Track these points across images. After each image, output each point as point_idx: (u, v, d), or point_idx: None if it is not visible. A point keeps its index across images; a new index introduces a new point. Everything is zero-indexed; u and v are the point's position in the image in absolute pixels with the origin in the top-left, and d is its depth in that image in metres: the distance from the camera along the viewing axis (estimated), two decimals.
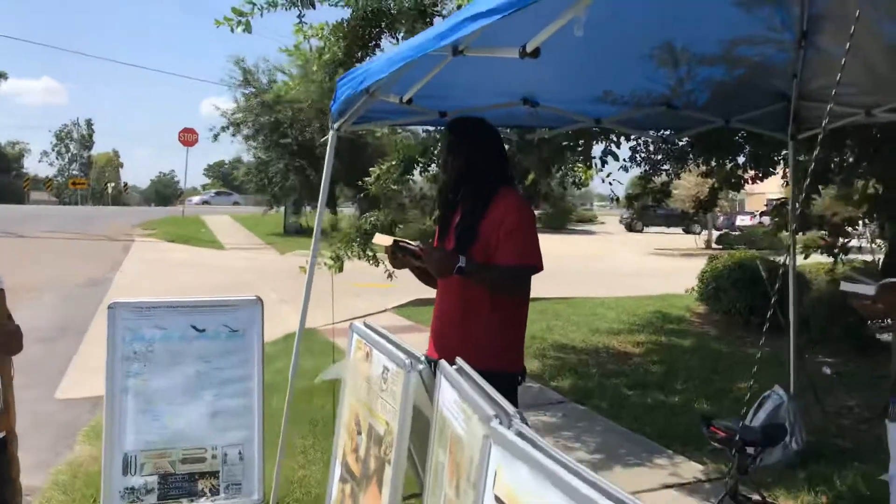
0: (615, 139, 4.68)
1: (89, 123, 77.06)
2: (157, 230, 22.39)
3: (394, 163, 4.96)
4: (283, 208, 24.57)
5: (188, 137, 26.31)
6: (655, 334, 8.56)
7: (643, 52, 2.95)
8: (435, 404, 2.15)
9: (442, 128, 2.92)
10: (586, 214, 43.99)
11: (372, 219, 5.02)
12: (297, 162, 21.45)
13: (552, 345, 7.84)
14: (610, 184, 4.80)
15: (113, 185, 61.66)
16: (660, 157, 7.13)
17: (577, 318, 9.59)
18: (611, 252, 22.00)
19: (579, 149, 4.44)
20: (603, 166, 4.66)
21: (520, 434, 1.42)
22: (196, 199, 49.21)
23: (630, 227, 33.34)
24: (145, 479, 3.15)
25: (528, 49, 1.72)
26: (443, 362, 2.13)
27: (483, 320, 2.64)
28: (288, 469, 4.23)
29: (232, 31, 4.35)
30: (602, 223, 40.58)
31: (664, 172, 7.19)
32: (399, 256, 2.68)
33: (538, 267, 2.62)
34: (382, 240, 2.74)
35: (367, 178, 4.89)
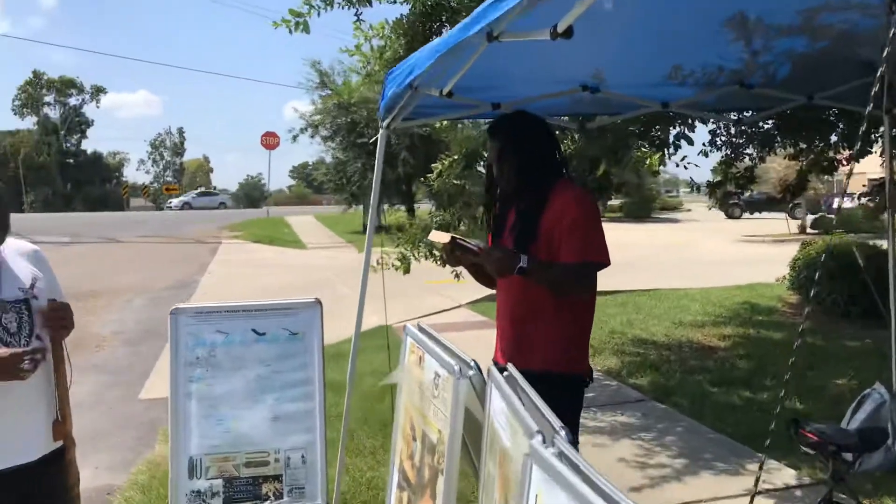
0: (690, 122, 4.39)
1: (181, 132, 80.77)
2: (244, 232, 23.18)
3: (456, 157, 4.85)
4: (361, 207, 24.95)
5: (270, 141, 27.10)
6: (743, 327, 8.11)
7: (713, 27, 2.71)
8: (486, 413, 2.03)
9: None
10: (671, 202, 42.61)
11: (438, 217, 4.93)
12: (374, 161, 21.67)
13: (632, 340, 7.55)
14: (685, 167, 4.51)
15: (202, 188, 64.37)
16: (742, 140, 6.72)
17: (659, 310, 9.22)
18: (696, 240, 21.14)
19: (653, 133, 4.15)
20: (675, 151, 4.37)
21: (561, 455, 1.28)
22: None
23: (729, 214, 31.92)
24: (210, 482, 3.16)
25: (560, 29, 1.56)
26: (492, 369, 2.01)
27: (546, 321, 2.52)
28: (356, 470, 4.21)
29: (290, 32, 4.34)
30: (688, 210, 39.20)
31: (747, 157, 6.75)
32: (457, 254, 2.56)
33: (604, 263, 2.46)
34: (439, 237, 2.64)
35: (429, 175, 4.80)
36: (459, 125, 4.76)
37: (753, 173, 6.69)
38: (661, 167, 4.93)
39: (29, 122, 65.07)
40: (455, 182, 4.82)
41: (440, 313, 9.36)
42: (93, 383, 6.30)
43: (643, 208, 32.70)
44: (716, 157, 6.78)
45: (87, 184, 67.03)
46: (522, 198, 2.56)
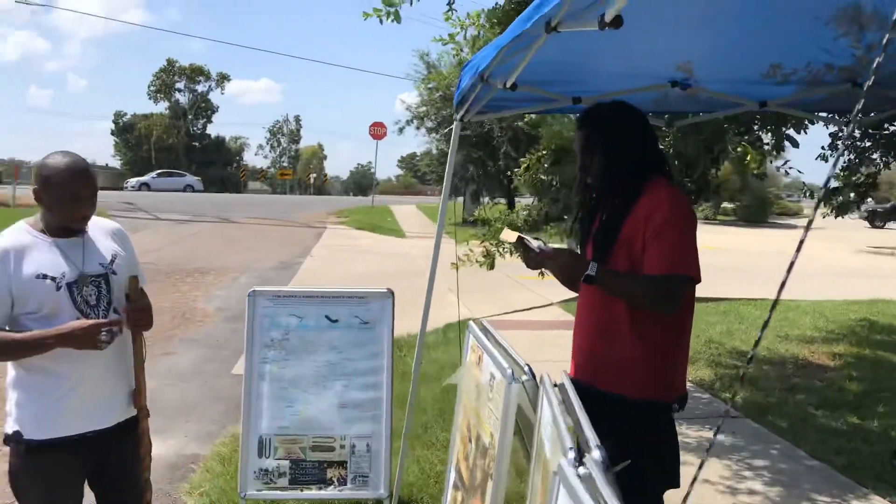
0: (797, 123, 4.03)
1: (297, 119, 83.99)
2: (349, 218, 23.83)
3: (544, 152, 4.73)
4: (461, 198, 25.05)
5: (377, 131, 27.70)
6: (858, 346, 7.49)
7: (820, 17, 2.48)
8: (536, 423, 1.95)
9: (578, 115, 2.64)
10: (791, 206, 40.12)
11: (524, 213, 4.83)
12: (476, 153, 21.72)
13: (730, 351, 7.14)
14: (787, 173, 4.15)
15: (314, 175, 66.77)
16: (869, 143, 6.16)
17: (763, 322, 8.67)
18: (814, 248, 19.77)
19: (754, 132, 3.82)
20: (778, 153, 4.04)
21: (585, 477, 1.19)
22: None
23: (872, 223, 29.68)
24: (278, 462, 3.26)
25: (607, 19, 1.45)
26: (545, 376, 1.92)
27: (625, 338, 2.28)
28: (426, 463, 4.20)
29: (381, 22, 4.35)
30: (807, 216, 36.74)
31: (871, 163, 6.18)
32: (532, 256, 2.44)
33: (692, 277, 2.20)
34: (508, 236, 2.53)
35: (516, 170, 4.70)
36: (550, 119, 4.62)
37: (876, 180, 6.12)
38: (753, 167, 4.57)
39: (161, 107, 69.71)
40: (543, 177, 4.70)
41: (530, 310, 9.23)
42: (193, 356, 6.65)
43: (759, 212, 30.95)
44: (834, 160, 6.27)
45: (210, 166, 71.04)
46: (609, 196, 2.38)
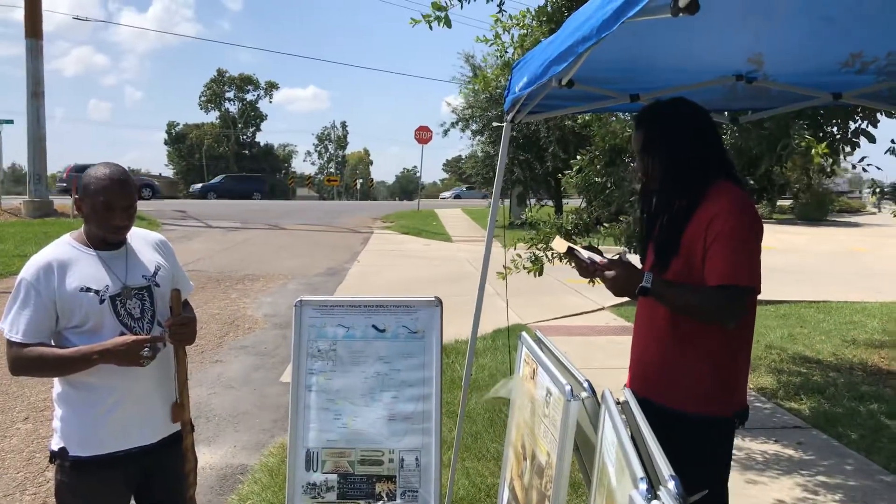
0: (872, 115, 3.76)
1: (344, 125, 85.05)
2: (395, 223, 23.88)
3: (598, 153, 4.56)
4: (507, 201, 24.85)
5: (423, 135, 27.70)
6: None
7: None
8: (598, 441, 1.81)
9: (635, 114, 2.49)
10: (853, 204, 38.61)
11: (573, 216, 4.66)
12: (522, 155, 21.50)
13: (793, 357, 6.82)
14: (865, 169, 3.88)
15: (360, 181, 67.34)
16: None
17: (828, 325, 8.29)
18: (880, 247, 18.93)
19: (826, 128, 3.55)
20: (853, 150, 3.77)
21: None
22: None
23: None
24: (326, 476, 3.17)
25: (682, 4, 1.31)
26: (606, 393, 1.79)
27: (684, 352, 2.17)
28: (477, 475, 4.08)
29: (430, 27, 4.26)
30: (872, 213, 35.37)
31: None
32: (584, 266, 2.30)
33: (752, 288, 2.05)
34: (559, 245, 2.40)
35: (567, 171, 4.53)
36: (604, 118, 4.45)
37: None
38: (839, 167, 4.29)
39: (212, 116, 71.39)
40: (597, 179, 4.53)
41: (580, 315, 9.01)
42: (241, 364, 6.67)
43: (818, 210, 29.84)
44: None
45: (259, 173, 72.40)
46: (670, 201, 2.24)
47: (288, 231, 20.76)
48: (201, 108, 71.21)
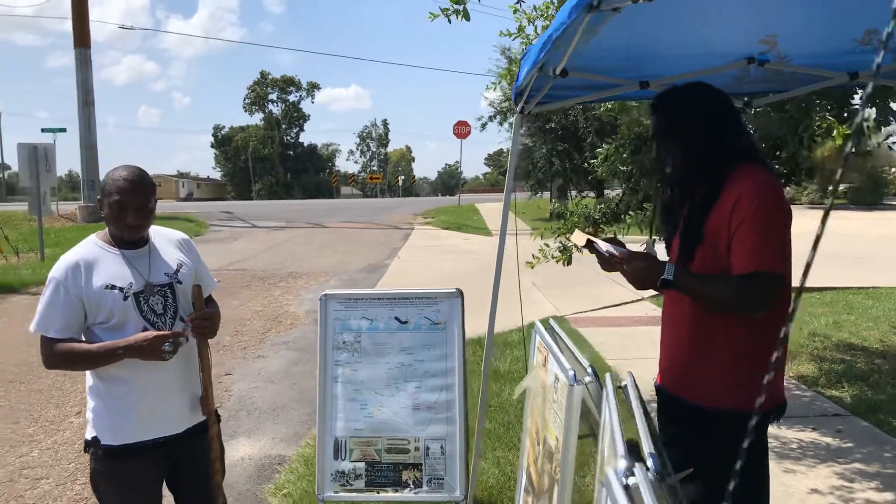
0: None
1: (385, 123, 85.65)
2: (435, 218, 23.99)
3: (623, 141, 4.53)
4: (548, 194, 24.72)
5: (461, 130, 27.75)
6: None
7: None
8: (601, 429, 1.83)
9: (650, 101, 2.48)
10: None
11: (601, 206, 4.64)
12: (561, 146, 21.33)
13: (837, 344, 6.65)
14: (890, 148, 3.76)
15: (402, 177, 67.80)
16: None
17: (876, 312, 8.04)
18: None
19: (848, 108, 3.45)
20: (879, 129, 3.65)
21: (627, 489, 1.09)
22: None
23: None
24: (354, 464, 3.27)
25: None
26: (608, 378, 1.80)
27: (715, 345, 2.11)
28: (507, 464, 4.12)
29: (449, 21, 4.29)
30: None
31: None
32: (605, 259, 2.29)
33: (776, 275, 1.96)
34: (578, 238, 2.38)
35: (593, 161, 4.52)
36: (627, 105, 4.42)
37: None
38: (873, 146, 4.14)
39: (256, 119, 72.74)
40: (622, 168, 4.50)
41: (619, 306, 8.94)
42: (282, 359, 6.83)
43: (872, 193, 28.77)
44: None
45: (304, 173, 73.55)
46: (692, 188, 2.18)
47: (330, 229, 21.06)
48: (245, 111, 72.72)
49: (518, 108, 2.70)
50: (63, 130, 21.48)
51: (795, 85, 2.83)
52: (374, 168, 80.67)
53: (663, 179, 2.34)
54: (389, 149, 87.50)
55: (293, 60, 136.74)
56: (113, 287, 2.27)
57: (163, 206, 36.61)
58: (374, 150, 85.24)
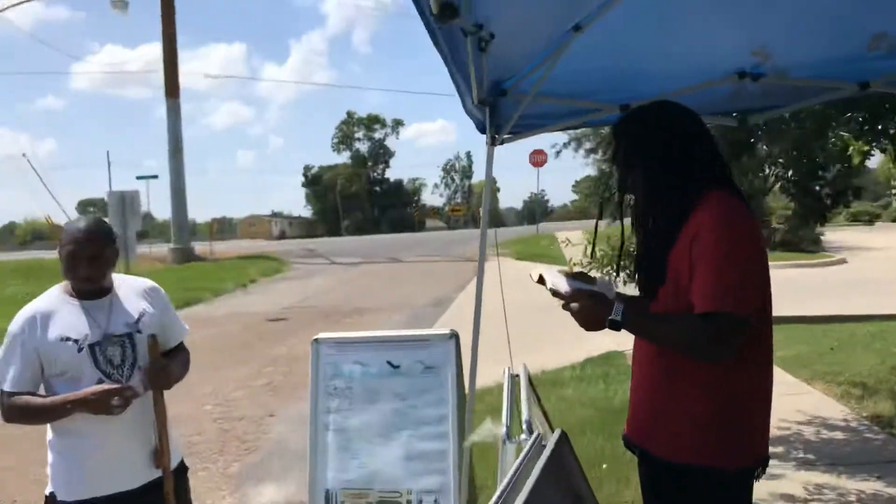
0: None
1: (468, 155, 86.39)
2: (510, 249, 23.74)
3: None
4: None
5: (537, 158, 27.51)
6: None
7: None
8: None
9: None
10: None
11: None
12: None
13: None
14: None
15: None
16: None
17: None
18: None
19: (864, 121, 3.04)
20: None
21: None
22: None
23: None
24: None
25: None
26: (540, 436, 1.60)
27: (673, 391, 1.88)
28: None
29: None
30: None
31: None
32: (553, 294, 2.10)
33: (738, 317, 1.71)
34: (535, 272, 2.21)
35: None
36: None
37: None
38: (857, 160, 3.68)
39: (344, 157, 75.15)
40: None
41: None
42: None
43: None
44: None
45: (391, 208, 75.09)
46: (653, 219, 1.97)
47: (405, 263, 21.24)
48: (333, 150, 75.40)
49: (488, 140, 2.54)
50: (155, 177, 22.86)
51: (799, 98, 2.54)
52: (458, 200, 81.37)
53: (630, 210, 2.13)
54: (474, 180, 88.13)
55: (380, 98, 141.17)
56: (67, 339, 2.25)
57: (248, 246, 38.19)
58: (459, 182, 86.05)
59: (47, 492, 2.30)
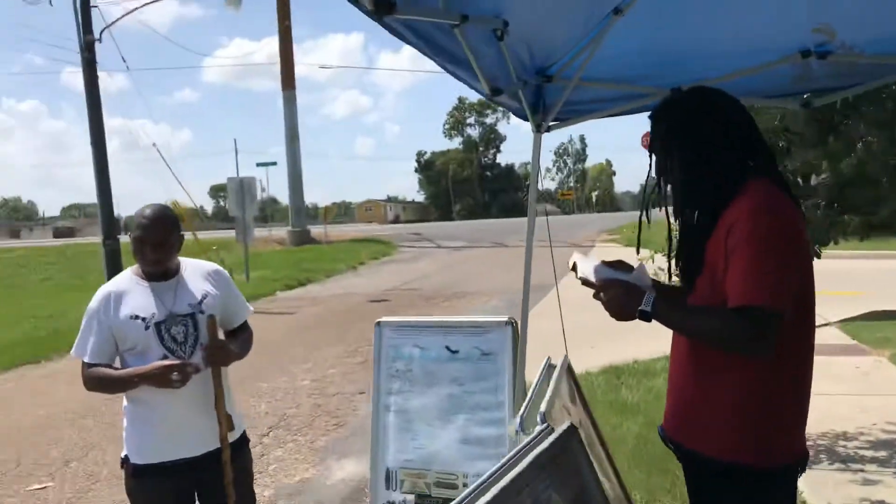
0: None
1: (582, 139, 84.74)
2: (620, 235, 23.18)
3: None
4: None
5: (646, 141, 26.64)
6: None
7: None
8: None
9: None
10: None
11: None
12: None
13: None
14: None
15: (597, 193, 66.44)
16: None
17: None
18: None
19: None
20: None
21: None
22: None
23: None
24: (404, 496, 3.21)
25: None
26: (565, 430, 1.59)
27: (705, 384, 1.83)
28: None
29: None
30: None
31: None
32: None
33: (771, 311, 1.63)
34: (571, 260, 2.18)
35: None
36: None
37: None
38: None
39: (455, 142, 75.79)
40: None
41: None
42: None
43: None
44: None
45: (501, 192, 75.07)
46: (691, 209, 1.91)
47: (510, 248, 21.19)
48: (445, 136, 76.16)
49: (534, 128, 2.50)
50: (274, 164, 24.00)
51: (866, 78, 2.33)
52: (571, 184, 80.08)
53: (668, 199, 2.06)
54: (588, 164, 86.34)
55: None
56: (136, 317, 2.46)
57: (362, 230, 39.48)
58: (571, 165, 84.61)
59: (122, 454, 2.54)
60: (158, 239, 2.44)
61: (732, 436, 1.79)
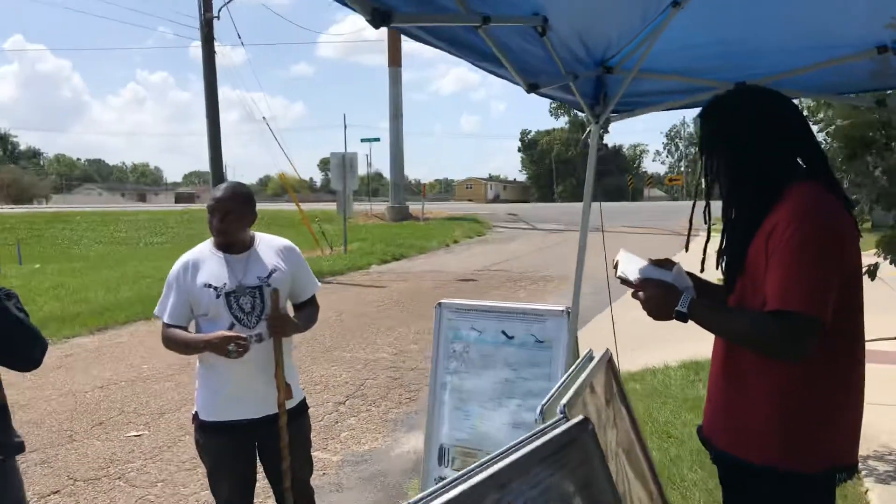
0: None
1: (696, 121, 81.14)
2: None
3: (836, 145, 3.79)
4: None
5: None
6: None
7: None
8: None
9: None
10: None
11: None
12: None
13: None
14: None
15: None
16: None
17: None
18: None
19: None
20: None
21: None
22: None
23: None
24: (455, 473, 3.31)
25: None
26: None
27: (744, 386, 1.82)
28: None
29: None
30: None
31: None
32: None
33: (809, 317, 1.60)
34: (617, 260, 2.19)
35: None
36: (835, 104, 3.68)
37: None
38: None
39: (561, 122, 74.47)
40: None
41: (878, 340, 7.39)
42: None
43: None
44: None
45: (607, 175, 73.18)
46: (736, 209, 1.89)
47: (608, 234, 20.72)
48: (551, 115, 74.93)
49: (594, 119, 2.49)
50: (377, 140, 24.50)
51: None
52: (682, 168, 77.08)
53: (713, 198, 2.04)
54: None
55: None
56: (209, 286, 2.67)
57: (460, 207, 39.70)
58: (683, 149, 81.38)
59: (193, 411, 2.78)
60: (226, 210, 2.63)
61: (765, 439, 1.77)
